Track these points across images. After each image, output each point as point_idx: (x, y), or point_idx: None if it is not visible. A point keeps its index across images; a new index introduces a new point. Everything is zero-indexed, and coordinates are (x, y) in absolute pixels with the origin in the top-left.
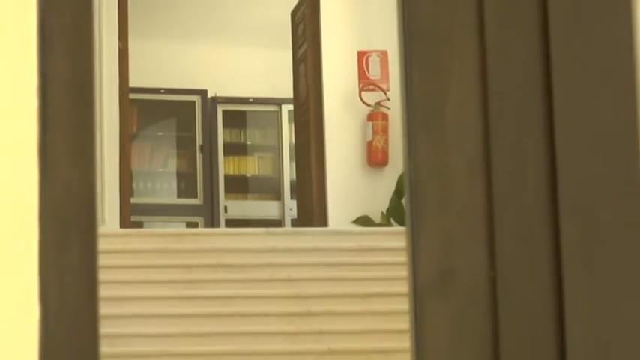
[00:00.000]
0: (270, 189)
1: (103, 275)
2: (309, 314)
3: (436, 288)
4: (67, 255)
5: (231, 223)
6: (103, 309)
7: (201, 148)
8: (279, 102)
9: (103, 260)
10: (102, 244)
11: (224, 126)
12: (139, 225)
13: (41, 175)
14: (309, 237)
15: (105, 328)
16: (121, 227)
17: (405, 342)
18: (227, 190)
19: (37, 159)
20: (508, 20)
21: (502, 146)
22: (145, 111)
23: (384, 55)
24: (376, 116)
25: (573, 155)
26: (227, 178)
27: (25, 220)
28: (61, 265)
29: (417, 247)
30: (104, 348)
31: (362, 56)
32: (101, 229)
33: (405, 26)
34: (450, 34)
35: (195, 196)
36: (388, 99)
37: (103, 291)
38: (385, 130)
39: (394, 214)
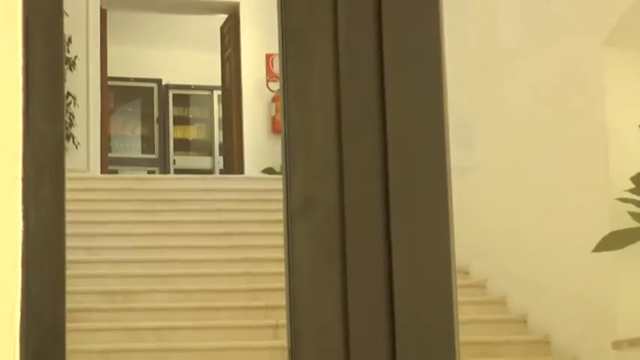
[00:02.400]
0: (205, 148)
1: (87, 206)
2: (230, 234)
3: (301, 212)
4: (42, 187)
5: (177, 171)
6: (86, 229)
7: (158, 119)
8: (211, 88)
9: (87, 195)
10: (87, 184)
11: (173, 104)
12: (115, 172)
13: (24, 129)
14: (231, 181)
15: (88, 243)
16: (101, 173)
17: None
18: (175, 149)
19: (22, 118)
20: (354, 25)
21: (349, 111)
22: (119, 93)
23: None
24: (278, 99)
25: (398, 113)
26: (175, 140)
27: (12, 162)
28: (37, 194)
29: (289, 183)
30: (86, 256)
31: (268, 57)
32: (87, 174)
33: (283, 29)
34: (313, 34)
35: (154, 152)
36: None
37: (87, 216)
38: None
39: None
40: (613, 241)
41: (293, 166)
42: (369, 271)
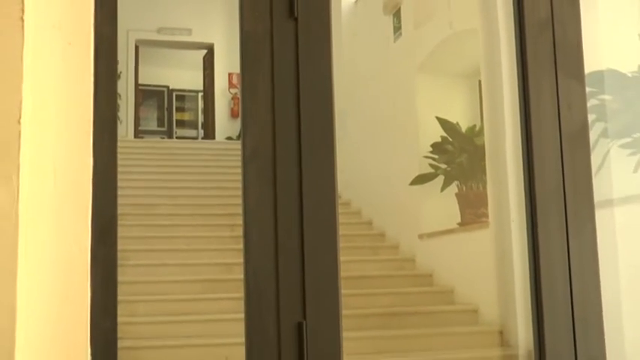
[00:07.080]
0: (193, 125)
1: (126, 156)
2: (207, 173)
3: (251, 157)
4: (103, 142)
5: (178, 138)
6: (126, 168)
7: (167, 108)
8: (197, 91)
9: (126, 150)
10: (126, 144)
11: (175, 100)
12: (142, 137)
13: (94, 110)
14: (207, 144)
15: (126, 176)
16: (134, 137)
17: None
18: (177, 125)
19: (92, 103)
20: (283, 56)
21: (279, 104)
22: (146, 94)
23: (239, 75)
24: (235, 98)
25: (307, 105)
26: (177, 120)
27: (87, 126)
28: (101, 146)
29: (244, 140)
30: (126, 183)
31: (230, 75)
32: (126, 139)
33: (242, 58)
34: (259, 61)
35: (164, 127)
36: None
37: (126, 162)
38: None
39: None
40: (420, 180)
41: (246, 130)
42: (289, 191)
